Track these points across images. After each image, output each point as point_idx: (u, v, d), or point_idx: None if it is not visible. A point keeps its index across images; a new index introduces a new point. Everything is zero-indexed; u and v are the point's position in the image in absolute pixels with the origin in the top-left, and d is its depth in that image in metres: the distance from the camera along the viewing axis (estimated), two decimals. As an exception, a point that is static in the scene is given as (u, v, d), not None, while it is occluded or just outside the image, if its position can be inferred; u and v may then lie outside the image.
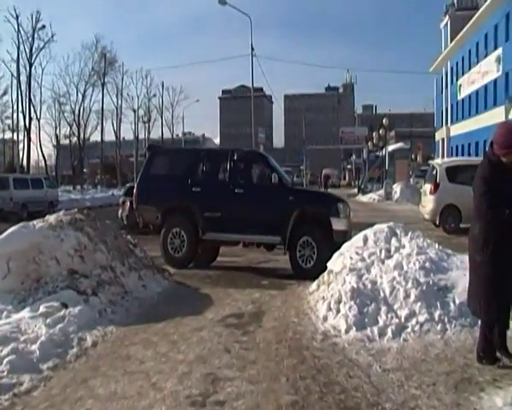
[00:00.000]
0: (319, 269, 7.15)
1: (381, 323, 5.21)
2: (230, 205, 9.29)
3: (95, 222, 7.33)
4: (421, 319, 5.18)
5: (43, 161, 49.60)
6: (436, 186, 14.68)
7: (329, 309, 5.60)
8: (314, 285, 6.70)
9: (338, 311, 5.50)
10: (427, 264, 5.86)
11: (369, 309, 5.35)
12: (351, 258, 6.25)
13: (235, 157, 9.47)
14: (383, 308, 5.34)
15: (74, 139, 47.93)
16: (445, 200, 14.33)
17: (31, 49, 39.38)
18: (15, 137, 37.81)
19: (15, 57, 36.77)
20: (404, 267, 5.83)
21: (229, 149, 9.90)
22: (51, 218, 6.90)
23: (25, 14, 43.81)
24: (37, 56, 40.26)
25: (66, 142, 49.50)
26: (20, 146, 39.90)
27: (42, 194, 24.69)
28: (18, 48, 36.53)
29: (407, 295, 5.39)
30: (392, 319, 5.23)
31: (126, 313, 6.13)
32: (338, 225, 8.76)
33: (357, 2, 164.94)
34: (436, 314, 5.21)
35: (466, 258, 4.76)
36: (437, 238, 9.21)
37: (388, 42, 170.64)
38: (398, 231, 6.80)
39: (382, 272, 5.81)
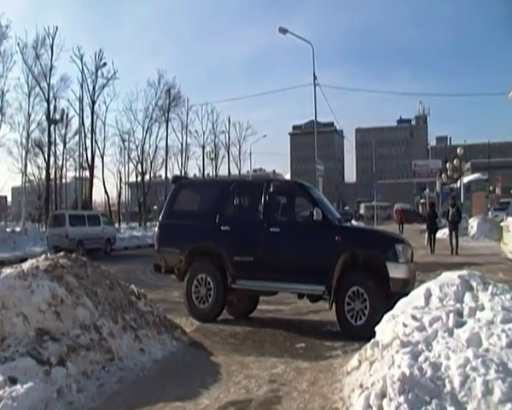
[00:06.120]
0: (372, 327, 5.42)
1: (447, 434, 3.37)
2: (265, 247, 7.74)
3: (84, 269, 5.96)
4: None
5: (113, 199, 50.37)
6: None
7: (368, 406, 3.76)
8: (355, 360, 4.84)
9: (381, 410, 3.69)
10: (521, 338, 3.92)
11: (427, 411, 3.51)
12: (404, 325, 4.42)
13: (271, 189, 7.92)
14: (450, 410, 3.49)
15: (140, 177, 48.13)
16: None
17: (94, 88, 40.13)
18: (78, 174, 38.39)
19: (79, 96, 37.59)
20: (484, 343, 3.92)
21: (264, 180, 8.40)
22: (26, 264, 5.63)
23: (88, 54, 45.28)
24: (99, 94, 40.83)
25: (134, 179, 49.88)
26: (87, 184, 40.54)
27: (99, 231, 24.34)
28: (81, 86, 37.37)
29: (488, 391, 3.49)
30: (464, 428, 3.38)
31: (97, 391, 4.62)
32: (396, 272, 7.01)
33: (428, 30, 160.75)
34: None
35: None
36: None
37: (463, 70, 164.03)
38: (475, 284, 4.91)
39: (450, 350, 3.91)
